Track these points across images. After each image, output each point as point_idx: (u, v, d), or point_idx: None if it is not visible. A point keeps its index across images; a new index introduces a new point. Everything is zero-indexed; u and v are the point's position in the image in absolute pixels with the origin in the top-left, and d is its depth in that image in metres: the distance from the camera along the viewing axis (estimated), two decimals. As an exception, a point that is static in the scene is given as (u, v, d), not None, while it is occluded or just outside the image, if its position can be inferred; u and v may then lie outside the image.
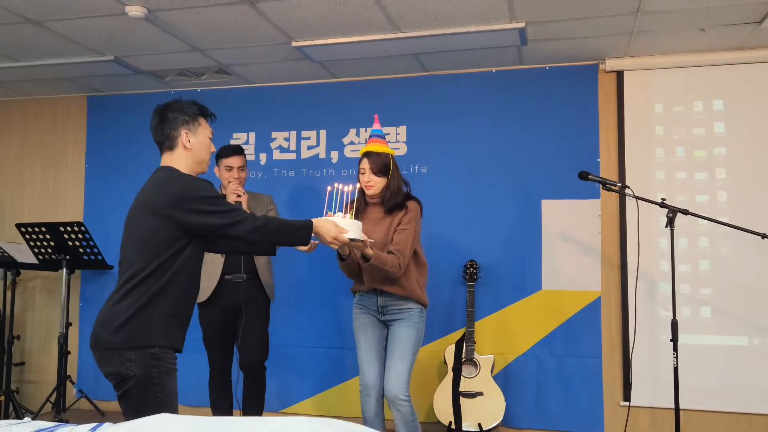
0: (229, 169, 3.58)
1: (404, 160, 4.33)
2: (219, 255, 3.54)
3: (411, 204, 3.03)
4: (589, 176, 3.37)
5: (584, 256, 4.15)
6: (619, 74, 4.19)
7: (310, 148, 4.68)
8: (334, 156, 4.62)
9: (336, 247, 2.63)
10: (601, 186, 3.44)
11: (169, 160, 2.34)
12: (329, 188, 2.70)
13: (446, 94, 4.46)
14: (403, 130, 4.51)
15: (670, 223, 3.19)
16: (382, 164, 2.98)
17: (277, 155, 4.71)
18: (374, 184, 2.99)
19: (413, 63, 4.30)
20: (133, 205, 2.29)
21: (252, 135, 4.75)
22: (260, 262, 3.64)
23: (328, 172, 4.62)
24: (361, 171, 3.01)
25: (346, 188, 2.71)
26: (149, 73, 4.51)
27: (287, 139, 4.67)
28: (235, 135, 4.75)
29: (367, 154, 3.00)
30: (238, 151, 3.63)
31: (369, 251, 2.79)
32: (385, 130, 4.43)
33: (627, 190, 3.36)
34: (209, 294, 3.52)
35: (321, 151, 4.65)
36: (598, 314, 4.10)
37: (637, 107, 4.16)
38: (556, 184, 4.20)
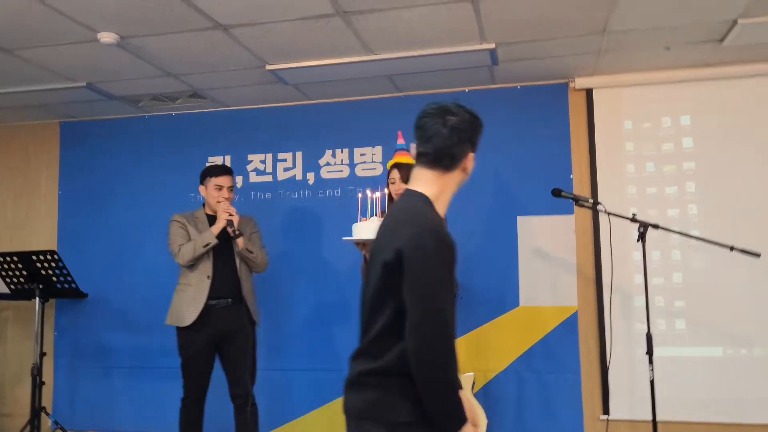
0: (219, 189, 3.55)
1: (380, 180, 4.32)
2: (205, 278, 3.49)
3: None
4: (562, 193, 3.42)
5: (560, 271, 4.17)
6: (589, 92, 4.25)
7: (286, 170, 4.68)
8: (311, 177, 4.63)
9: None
10: (573, 202, 3.47)
11: (430, 180, 1.78)
12: (360, 195, 3.00)
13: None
14: (378, 150, 4.53)
15: (642, 237, 3.23)
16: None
17: (253, 177, 4.69)
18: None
19: (387, 84, 4.33)
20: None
21: (228, 158, 4.74)
22: (246, 285, 3.60)
23: (305, 193, 4.62)
24: (391, 181, 3.28)
25: (374, 195, 2.93)
26: (123, 99, 4.48)
27: (263, 162, 4.67)
28: (210, 158, 4.73)
29: (397, 166, 3.28)
30: (229, 170, 3.61)
31: None
32: (362, 150, 4.51)
33: (599, 206, 3.40)
34: (194, 318, 3.47)
35: (297, 173, 4.65)
36: (576, 329, 4.11)
37: (607, 124, 4.21)
38: (531, 201, 4.22)
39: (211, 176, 3.56)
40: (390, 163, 3.34)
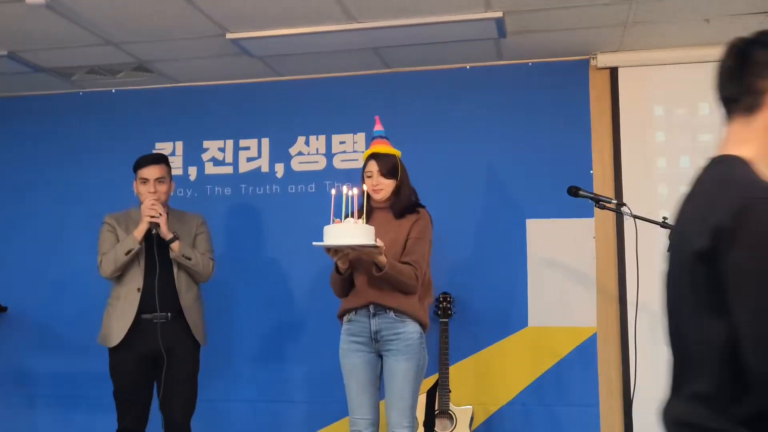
0: (145, 182, 3.55)
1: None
2: (134, 288, 3.52)
3: (423, 211, 3.30)
4: (580, 192, 3.44)
5: (577, 285, 4.19)
6: (613, 71, 4.28)
7: (249, 160, 4.68)
8: (279, 169, 4.63)
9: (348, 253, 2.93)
10: (594, 203, 3.49)
11: (740, 135, 1.55)
12: (333, 191, 2.91)
13: (411, 95, 4.51)
14: (360, 138, 4.55)
15: None
16: (391, 165, 3.24)
17: (209, 169, 4.70)
18: (383, 186, 3.24)
19: (372, 59, 4.33)
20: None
21: (179, 145, 4.74)
22: (187, 298, 3.61)
23: (272, 188, 4.62)
24: (368, 174, 3.26)
25: (351, 192, 2.96)
26: (52, 71, 4.45)
27: (222, 150, 4.68)
28: (158, 145, 4.73)
29: (374, 156, 3.27)
30: (157, 159, 3.62)
31: (383, 259, 3.00)
32: (342, 137, 4.54)
33: (624, 208, 3.41)
34: (122, 336, 3.49)
35: (263, 164, 4.66)
36: (594, 354, 4.13)
37: (634, 110, 4.24)
38: (543, 201, 4.24)
39: (136, 168, 3.57)
40: (365, 153, 3.35)
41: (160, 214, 3.45)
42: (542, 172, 4.26)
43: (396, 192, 3.26)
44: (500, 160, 4.34)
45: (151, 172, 3.54)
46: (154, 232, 3.46)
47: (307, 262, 4.32)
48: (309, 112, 4.58)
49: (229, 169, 4.67)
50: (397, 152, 3.32)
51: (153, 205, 3.45)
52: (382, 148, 3.29)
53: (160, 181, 3.56)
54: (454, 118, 4.44)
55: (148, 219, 3.44)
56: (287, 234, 4.52)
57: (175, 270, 3.58)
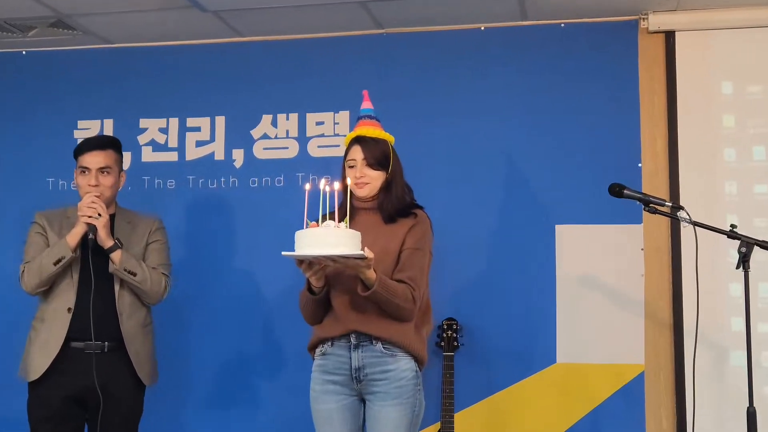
0: (84, 172, 3.54)
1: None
2: (64, 308, 3.50)
3: (421, 213, 3.24)
4: (625, 191, 3.40)
5: (620, 311, 4.15)
6: (669, 36, 4.25)
7: (200, 144, 4.64)
8: (238, 156, 4.62)
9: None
10: (643, 205, 3.43)
11: None
12: (307, 186, 2.87)
13: (410, 63, 4.47)
14: (343, 118, 4.52)
15: (744, 261, 3.21)
16: (380, 153, 3.20)
17: (147, 155, 4.68)
18: (370, 180, 3.19)
19: (360, 16, 4.30)
20: None
21: (108, 123, 4.72)
22: (130, 324, 3.60)
23: (229, 181, 4.60)
24: (350, 163, 3.22)
25: (330, 187, 2.93)
26: (-55, 27, 4.41)
27: (164, 131, 4.66)
28: (81, 123, 4.72)
29: (359, 140, 3.22)
30: (102, 143, 3.60)
31: (371, 274, 2.93)
32: (319, 116, 4.51)
33: (681, 213, 3.37)
34: (45, 368, 3.46)
35: (217, 150, 4.63)
36: (641, 398, 4.11)
37: (695, 86, 4.20)
38: (577, 202, 4.22)
39: (75, 155, 3.59)
40: (348, 137, 3.33)
41: (100, 215, 3.40)
42: (576, 165, 4.23)
43: (386, 188, 3.22)
44: (522, 149, 4.31)
45: (92, 159, 3.51)
46: (91, 236, 3.40)
47: (276, 277, 4.31)
48: (277, 84, 4.53)
49: (172, 156, 4.64)
50: (390, 137, 3.30)
51: (93, 202, 3.42)
52: (370, 130, 3.26)
53: (104, 172, 3.53)
54: (463, 93, 4.39)
55: (85, 220, 3.41)
56: (249, 241, 4.51)
57: (116, 287, 3.55)
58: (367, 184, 3.19)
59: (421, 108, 4.41)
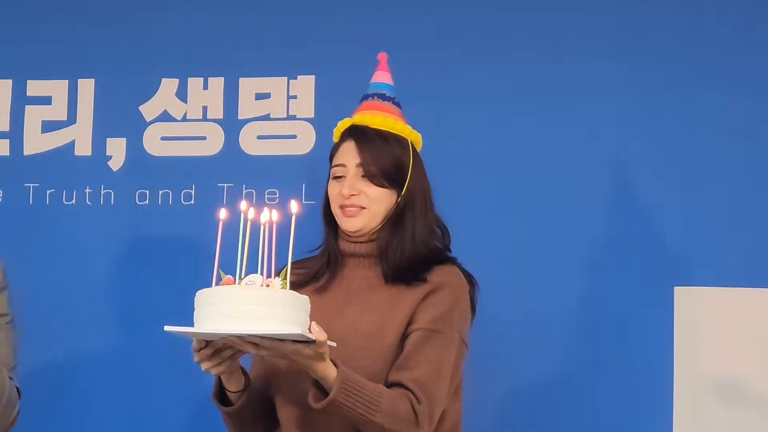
0: None
1: (305, 168, 3.68)
2: None
3: (452, 270, 2.61)
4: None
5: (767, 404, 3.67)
6: None
7: (49, 128, 3.81)
8: (116, 151, 3.73)
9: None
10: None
11: None
12: (222, 214, 2.27)
13: (443, 19, 3.70)
14: (306, 86, 3.70)
15: None
16: (391, 159, 2.64)
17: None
18: (367, 202, 2.62)
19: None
20: None
21: None
22: None
23: (99, 194, 3.72)
24: (337, 171, 2.70)
25: (267, 217, 2.28)
26: None
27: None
28: None
29: (355, 134, 2.68)
30: None
31: (328, 371, 2.29)
32: (262, 84, 3.74)
33: None
34: None
35: (80, 138, 3.76)
36: None
37: None
38: (708, 253, 3.55)
39: None
40: (340, 125, 2.71)
41: None
42: (709, 192, 3.54)
43: (395, 221, 2.58)
44: (626, 160, 3.62)
45: None
46: None
47: (159, 357, 3.62)
48: (187, 23, 3.71)
49: (3, 149, 3.81)
50: (414, 134, 2.68)
51: None
52: (378, 119, 2.66)
53: None
54: (527, 72, 3.62)
55: None
56: (124, 301, 3.72)
57: None
58: (363, 209, 2.57)
59: (460, 90, 3.61)
